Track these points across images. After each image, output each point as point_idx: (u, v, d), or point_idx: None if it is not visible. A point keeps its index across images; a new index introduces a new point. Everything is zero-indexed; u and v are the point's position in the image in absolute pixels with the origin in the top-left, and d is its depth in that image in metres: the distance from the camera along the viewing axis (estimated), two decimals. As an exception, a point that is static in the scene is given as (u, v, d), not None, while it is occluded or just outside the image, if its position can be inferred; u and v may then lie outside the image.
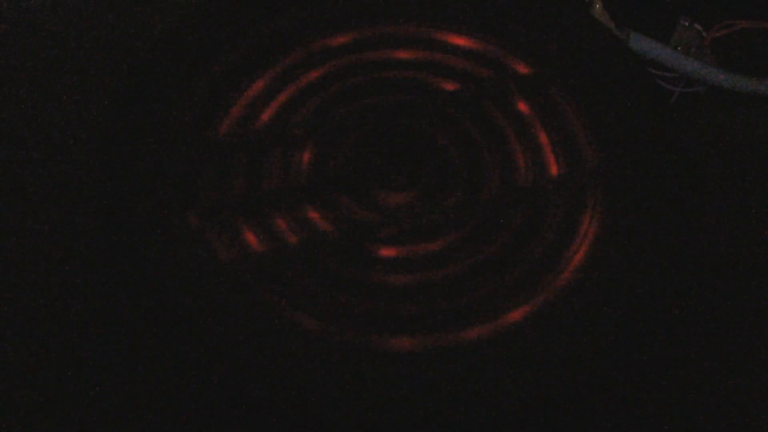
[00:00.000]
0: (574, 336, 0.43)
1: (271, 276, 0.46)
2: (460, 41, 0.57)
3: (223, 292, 0.44)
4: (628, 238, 0.47)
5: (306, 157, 0.51)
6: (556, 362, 0.42)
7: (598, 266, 0.46)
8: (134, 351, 0.48)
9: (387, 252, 0.48)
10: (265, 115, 0.53)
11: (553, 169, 0.51)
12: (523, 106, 0.54)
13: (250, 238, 0.47)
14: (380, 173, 0.51)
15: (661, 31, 0.63)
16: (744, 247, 0.53)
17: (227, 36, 0.55)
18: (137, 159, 0.49)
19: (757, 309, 0.51)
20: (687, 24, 0.63)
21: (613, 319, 0.44)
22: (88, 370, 0.48)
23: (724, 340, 0.49)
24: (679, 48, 0.63)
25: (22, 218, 0.53)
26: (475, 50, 0.56)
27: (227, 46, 0.54)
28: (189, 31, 0.55)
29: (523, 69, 0.55)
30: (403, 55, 0.56)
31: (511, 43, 0.56)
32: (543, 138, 0.52)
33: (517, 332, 0.44)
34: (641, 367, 0.47)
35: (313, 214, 0.49)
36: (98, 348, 0.48)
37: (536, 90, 0.54)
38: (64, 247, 0.52)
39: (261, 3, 0.57)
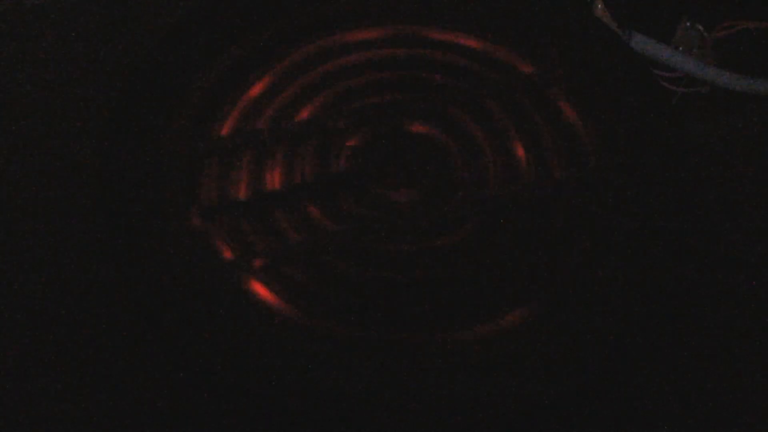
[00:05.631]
0: (575, 336, 0.43)
1: (274, 275, 0.46)
2: (462, 41, 0.57)
3: (224, 290, 0.45)
4: (629, 238, 0.47)
5: (308, 156, 0.51)
6: (557, 362, 0.42)
7: (599, 267, 0.46)
8: (135, 350, 0.48)
9: (388, 251, 0.48)
10: (267, 115, 0.53)
11: (555, 169, 0.51)
12: (525, 106, 0.54)
13: (253, 237, 0.48)
14: (383, 172, 0.51)
15: (663, 32, 0.63)
16: (744, 246, 0.53)
17: (228, 37, 0.55)
18: (139, 159, 0.49)
19: (758, 309, 0.51)
20: (689, 24, 0.63)
21: (613, 319, 0.44)
22: (89, 370, 0.48)
23: (725, 340, 0.49)
24: (680, 48, 0.63)
25: (23, 220, 0.54)
26: (477, 50, 0.56)
27: (229, 47, 0.54)
28: (190, 31, 0.55)
29: (525, 69, 0.55)
30: (405, 54, 0.56)
31: (513, 42, 0.56)
32: (545, 138, 0.52)
33: (518, 332, 0.44)
34: (641, 367, 0.47)
35: (315, 213, 0.49)
36: (99, 347, 0.48)
37: (538, 90, 0.54)
38: (65, 246, 0.52)
39: (263, 3, 0.57)
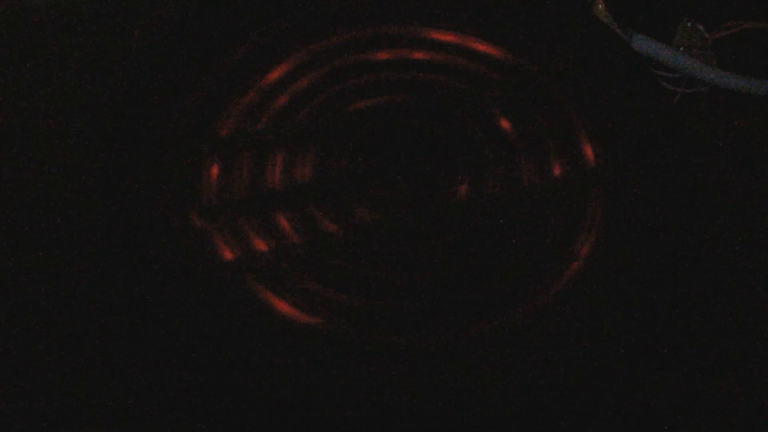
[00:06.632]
0: (575, 336, 0.43)
1: (274, 275, 0.46)
2: (463, 42, 0.56)
3: (225, 290, 0.45)
4: (629, 238, 0.47)
5: (308, 156, 0.51)
6: (556, 362, 0.42)
7: (599, 267, 0.46)
8: (136, 348, 0.48)
9: (388, 251, 0.48)
10: (267, 116, 0.53)
11: (556, 170, 0.51)
12: (525, 106, 0.54)
13: (253, 237, 0.48)
14: (383, 173, 0.51)
15: (664, 32, 0.63)
16: (744, 247, 0.53)
17: (230, 37, 0.55)
18: (140, 159, 0.49)
19: (757, 309, 0.51)
20: (690, 25, 0.63)
21: (613, 318, 0.44)
22: (89, 367, 0.48)
23: (724, 340, 0.49)
24: (681, 48, 0.63)
25: (25, 220, 0.54)
26: (477, 50, 0.56)
27: (230, 48, 0.54)
28: (191, 32, 0.55)
29: (525, 69, 0.55)
30: (405, 55, 0.56)
31: (513, 43, 0.56)
32: (546, 138, 0.52)
33: (518, 332, 0.44)
34: (640, 367, 0.47)
35: (315, 213, 0.49)
36: (100, 345, 0.48)
37: (539, 90, 0.54)
38: (67, 246, 0.52)
39: (263, 5, 0.57)
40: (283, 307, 0.45)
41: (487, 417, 0.41)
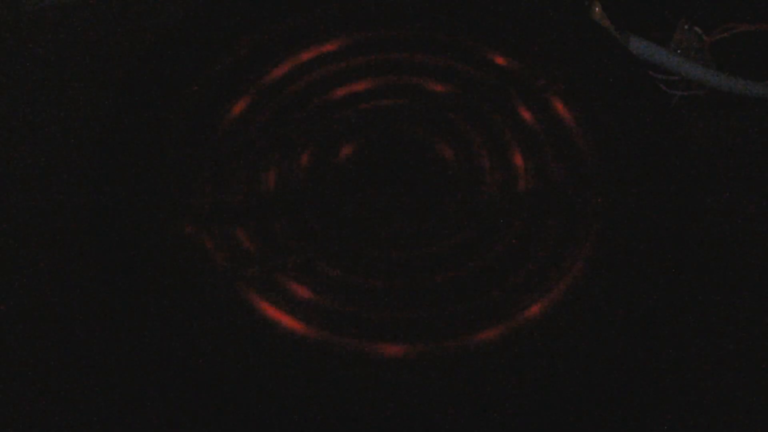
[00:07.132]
0: (575, 341, 0.43)
1: (268, 283, 0.46)
2: (458, 45, 0.57)
3: (219, 299, 0.44)
4: (628, 242, 0.47)
5: (304, 162, 0.51)
6: (556, 367, 0.42)
7: (598, 271, 0.46)
8: (129, 358, 0.48)
9: (385, 258, 0.48)
10: (262, 120, 0.53)
11: (553, 174, 0.51)
12: (522, 110, 0.54)
13: (247, 244, 0.47)
14: (379, 178, 0.51)
15: (661, 34, 0.63)
16: (744, 248, 0.54)
17: (224, 40, 0.55)
18: (132, 165, 0.49)
19: (758, 310, 0.51)
20: (687, 27, 0.63)
21: (613, 323, 0.44)
22: (83, 376, 0.47)
23: (725, 341, 0.50)
24: (678, 51, 0.63)
25: (17, 226, 0.53)
26: (474, 54, 0.56)
27: (224, 51, 0.54)
28: (186, 34, 0.55)
29: (522, 72, 0.55)
30: (402, 58, 0.56)
31: (510, 46, 0.56)
32: (542, 142, 0.52)
33: (518, 338, 0.44)
34: (641, 370, 0.47)
35: (311, 219, 0.49)
36: (93, 354, 0.48)
37: (535, 94, 0.54)
38: (58, 253, 0.52)
39: (259, 6, 0.57)
40: (277, 315, 0.44)
41: (488, 417, 0.41)
